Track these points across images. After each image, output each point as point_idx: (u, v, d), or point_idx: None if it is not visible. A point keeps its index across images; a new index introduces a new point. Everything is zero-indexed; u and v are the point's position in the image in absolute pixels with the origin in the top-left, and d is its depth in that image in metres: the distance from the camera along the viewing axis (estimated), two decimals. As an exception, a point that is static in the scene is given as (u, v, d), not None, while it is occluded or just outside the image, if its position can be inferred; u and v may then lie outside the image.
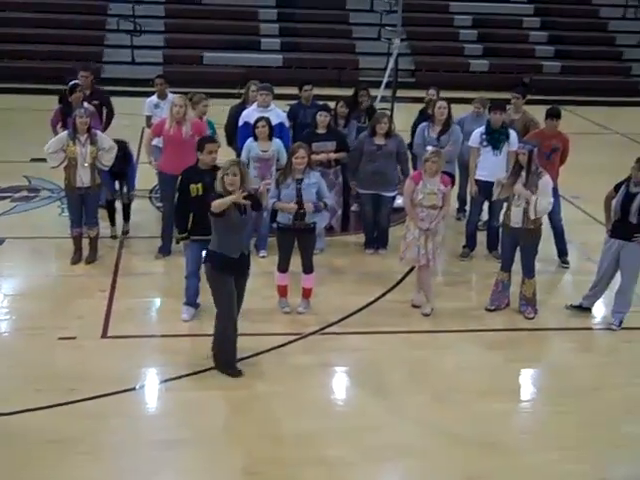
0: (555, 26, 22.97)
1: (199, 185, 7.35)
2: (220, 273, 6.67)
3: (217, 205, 6.43)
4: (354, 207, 10.37)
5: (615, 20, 23.60)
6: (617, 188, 7.77)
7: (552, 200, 7.98)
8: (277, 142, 8.92)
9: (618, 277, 8.01)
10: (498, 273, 8.24)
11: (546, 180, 7.81)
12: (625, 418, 6.55)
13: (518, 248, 8.08)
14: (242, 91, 10.33)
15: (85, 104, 9.49)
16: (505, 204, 8.13)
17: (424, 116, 10.10)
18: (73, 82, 9.91)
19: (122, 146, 9.32)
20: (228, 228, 6.57)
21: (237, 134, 9.52)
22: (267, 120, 8.80)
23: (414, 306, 8.23)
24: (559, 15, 23.20)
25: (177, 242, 7.87)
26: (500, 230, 8.57)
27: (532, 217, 7.75)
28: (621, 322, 7.98)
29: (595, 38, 23.08)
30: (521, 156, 7.77)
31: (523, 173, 7.81)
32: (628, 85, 21.87)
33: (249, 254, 6.92)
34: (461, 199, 10.79)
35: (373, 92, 11.09)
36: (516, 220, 7.86)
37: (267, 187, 7.33)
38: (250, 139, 8.88)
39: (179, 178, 7.54)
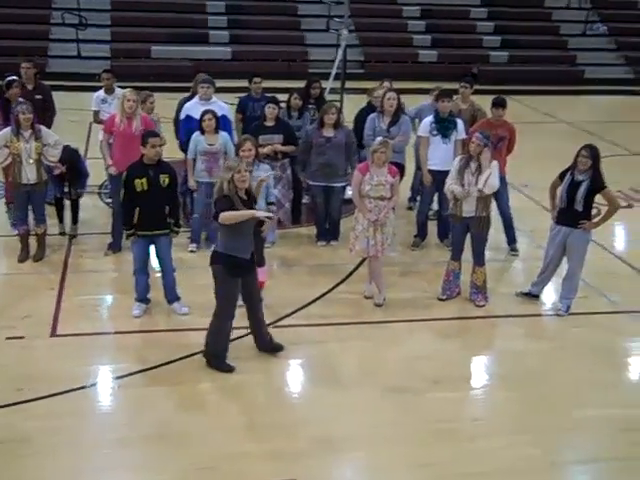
0: (501, 16, 23.30)
1: (143, 180, 7.29)
2: (232, 276, 6.65)
3: (228, 218, 6.38)
4: (305, 199, 10.37)
5: (559, 10, 24.00)
6: (562, 176, 7.89)
7: (498, 182, 8.08)
8: (224, 135, 8.89)
9: (565, 263, 8.13)
10: (449, 263, 8.32)
11: (495, 163, 7.91)
12: (574, 402, 6.66)
13: (468, 237, 8.17)
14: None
15: (20, 99, 9.26)
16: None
17: (370, 107, 10.10)
18: (10, 77, 9.70)
19: (73, 155, 9.19)
20: (239, 231, 6.53)
21: (179, 127, 9.46)
22: (213, 113, 8.77)
23: (366, 297, 8.27)
24: (505, 5, 23.50)
25: (126, 238, 7.79)
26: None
27: (480, 187, 7.77)
28: (569, 308, 8.12)
29: (540, 28, 23.44)
30: (475, 146, 7.81)
31: (471, 162, 7.87)
32: (573, 74, 22.24)
33: (254, 252, 6.91)
34: (414, 189, 10.84)
35: (323, 84, 11.09)
36: (469, 209, 7.93)
37: (267, 180, 7.33)
38: (197, 133, 8.83)
39: (124, 174, 7.46)
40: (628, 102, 20.82)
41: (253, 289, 6.93)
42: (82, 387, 6.54)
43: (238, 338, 7.34)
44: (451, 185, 7.95)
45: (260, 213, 6.51)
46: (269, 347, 7.14)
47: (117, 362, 6.98)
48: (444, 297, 8.31)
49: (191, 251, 9.16)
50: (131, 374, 6.76)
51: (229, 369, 6.84)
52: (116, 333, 7.49)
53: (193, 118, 9.09)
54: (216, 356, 6.87)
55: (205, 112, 8.78)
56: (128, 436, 5.96)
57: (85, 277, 8.59)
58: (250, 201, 6.65)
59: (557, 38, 23.40)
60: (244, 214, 6.42)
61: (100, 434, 6.02)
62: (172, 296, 7.75)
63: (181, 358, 7.00)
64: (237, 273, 6.66)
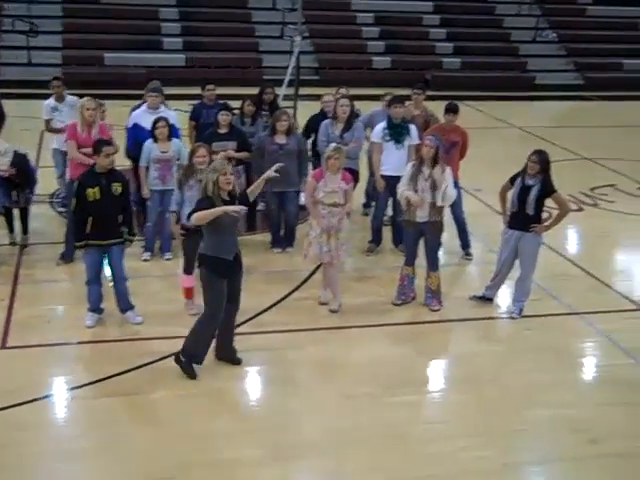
0: (453, 23, 23.53)
1: (96, 189, 7.22)
2: (217, 277, 6.67)
3: (199, 217, 6.42)
4: (260, 206, 10.35)
5: (510, 17, 24.33)
6: (512, 180, 7.99)
7: (455, 190, 8.17)
8: (176, 142, 8.88)
9: (518, 267, 8.22)
10: (403, 268, 8.36)
11: (448, 171, 7.98)
12: (527, 403, 6.74)
13: (421, 242, 8.22)
14: None
15: None
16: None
17: (323, 114, 10.13)
18: None
19: (22, 159, 9.05)
20: (221, 230, 6.56)
21: (128, 136, 9.40)
22: (166, 120, 8.76)
23: (321, 303, 8.27)
24: (457, 12, 23.77)
25: (77, 249, 7.68)
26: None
27: (439, 203, 7.87)
28: (521, 310, 8.21)
29: (492, 35, 23.74)
30: (427, 149, 7.87)
31: (424, 168, 7.92)
32: (525, 80, 22.57)
33: (240, 253, 6.92)
34: (368, 194, 10.88)
35: (277, 90, 11.09)
36: (422, 214, 7.98)
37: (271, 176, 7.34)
38: (149, 140, 8.80)
39: (76, 184, 7.37)
40: (578, 107, 21.23)
41: (235, 292, 6.93)
42: (34, 400, 6.42)
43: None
44: (405, 191, 7.99)
45: (230, 208, 6.46)
46: (228, 358, 7.10)
47: (70, 373, 6.89)
48: (399, 302, 8.35)
49: (145, 260, 9.09)
50: (84, 385, 6.67)
51: (192, 376, 6.79)
52: (68, 344, 7.37)
53: (140, 127, 9.04)
54: (194, 356, 6.84)
55: (158, 119, 8.76)
56: (81, 448, 5.88)
57: (37, 288, 8.46)
58: (232, 203, 6.64)
59: (508, 45, 23.73)
60: (214, 212, 6.41)
61: (53, 447, 5.93)
62: (125, 305, 7.67)
63: (135, 368, 6.93)
64: (223, 274, 6.69)
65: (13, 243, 9.41)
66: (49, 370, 6.95)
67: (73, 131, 8.85)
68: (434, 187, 7.83)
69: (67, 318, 7.91)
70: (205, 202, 6.51)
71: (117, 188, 7.33)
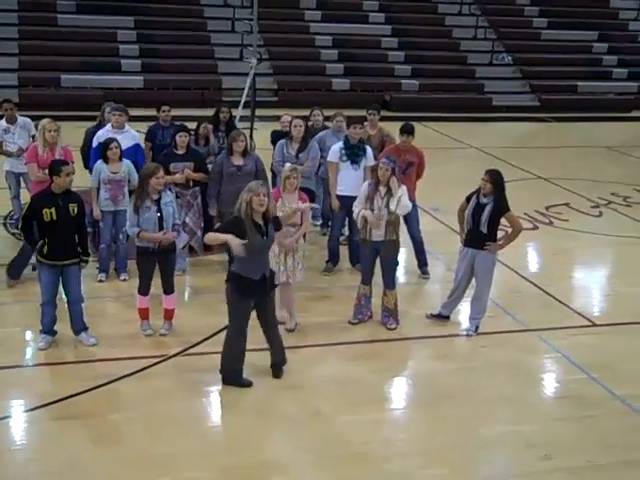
0: (411, 46, 23.79)
1: (52, 209, 7.15)
2: (240, 295, 6.79)
3: (211, 238, 6.77)
4: (217, 227, 10.29)
5: (467, 40, 24.66)
6: (469, 199, 8.08)
7: (411, 204, 8.22)
8: (127, 163, 8.83)
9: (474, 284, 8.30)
10: (359, 287, 8.37)
11: (403, 187, 8.06)
12: (483, 421, 6.77)
13: (378, 261, 8.25)
14: None
15: None
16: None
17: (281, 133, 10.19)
18: None
19: None
20: (250, 252, 6.61)
21: (90, 156, 9.33)
22: (117, 141, 8.73)
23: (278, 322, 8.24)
24: (415, 35, 24.04)
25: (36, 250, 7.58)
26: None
27: (392, 208, 7.90)
28: (477, 328, 8.27)
29: (449, 57, 24.03)
30: (383, 171, 7.93)
31: (381, 187, 7.98)
32: (482, 102, 22.86)
33: (272, 274, 7.06)
34: (325, 214, 10.91)
35: (234, 112, 11.09)
36: (378, 233, 8.02)
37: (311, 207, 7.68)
38: (99, 161, 8.76)
39: (29, 202, 7.30)
40: (534, 128, 21.57)
41: (266, 315, 7.09)
42: (-16, 424, 6.32)
43: (148, 367, 7.25)
44: (362, 211, 8.03)
45: (236, 242, 6.50)
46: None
47: (23, 396, 6.77)
48: (355, 321, 8.36)
49: (100, 281, 8.99)
50: (37, 408, 6.56)
51: (248, 384, 6.99)
52: (20, 367, 7.26)
53: None
54: (234, 372, 6.97)
55: (111, 140, 8.72)
56: (34, 472, 5.79)
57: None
58: (266, 226, 6.77)
59: (465, 67, 24.04)
60: (221, 239, 6.61)
61: (5, 472, 5.81)
62: (79, 326, 7.57)
63: (90, 389, 6.83)
64: (247, 294, 6.81)
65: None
66: (1, 393, 6.80)
67: (33, 153, 8.82)
68: (390, 197, 7.88)
69: (19, 341, 7.76)
70: (231, 222, 6.65)
71: (74, 208, 7.28)
